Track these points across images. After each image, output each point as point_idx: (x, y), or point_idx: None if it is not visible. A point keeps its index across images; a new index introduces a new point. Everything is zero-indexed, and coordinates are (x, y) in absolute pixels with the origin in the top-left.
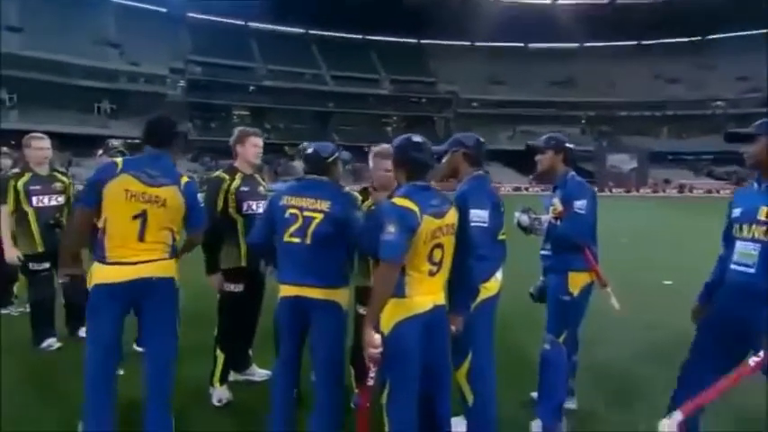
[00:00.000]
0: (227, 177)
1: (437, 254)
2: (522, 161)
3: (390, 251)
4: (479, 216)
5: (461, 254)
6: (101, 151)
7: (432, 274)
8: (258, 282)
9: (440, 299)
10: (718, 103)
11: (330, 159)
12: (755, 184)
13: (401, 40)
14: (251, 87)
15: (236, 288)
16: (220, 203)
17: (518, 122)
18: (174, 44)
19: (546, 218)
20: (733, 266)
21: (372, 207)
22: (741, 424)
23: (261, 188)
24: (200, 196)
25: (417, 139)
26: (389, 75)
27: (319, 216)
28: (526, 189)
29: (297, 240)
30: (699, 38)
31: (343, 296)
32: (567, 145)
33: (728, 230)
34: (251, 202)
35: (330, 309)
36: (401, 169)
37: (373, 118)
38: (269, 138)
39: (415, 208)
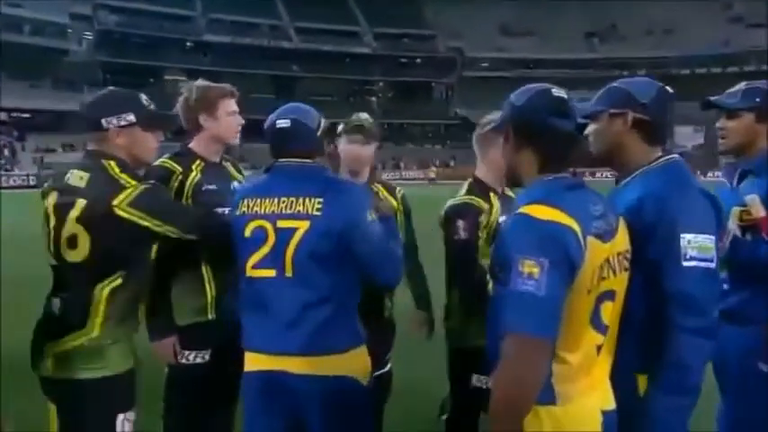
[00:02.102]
0: (177, 168)
1: (606, 310)
2: None
3: (536, 316)
4: (701, 246)
5: (670, 319)
6: None
7: (598, 349)
8: (234, 347)
9: (609, 400)
10: None
11: (318, 131)
12: (726, 180)
13: None
14: (187, 43)
15: (197, 358)
16: None
17: None
18: None
19: (730, 227)
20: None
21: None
22: None
23: (235, 184)
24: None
25: (559, 92)
26: (373, 27)
27: (304, 225)
28: None
29: (267, 274)
30: None
31: (357, 362)
32: None
33: None
34: (224, 211)
35: (338, 392)
36: (528, 148)
37: (352, 85)
38: None
39: (574, 224)
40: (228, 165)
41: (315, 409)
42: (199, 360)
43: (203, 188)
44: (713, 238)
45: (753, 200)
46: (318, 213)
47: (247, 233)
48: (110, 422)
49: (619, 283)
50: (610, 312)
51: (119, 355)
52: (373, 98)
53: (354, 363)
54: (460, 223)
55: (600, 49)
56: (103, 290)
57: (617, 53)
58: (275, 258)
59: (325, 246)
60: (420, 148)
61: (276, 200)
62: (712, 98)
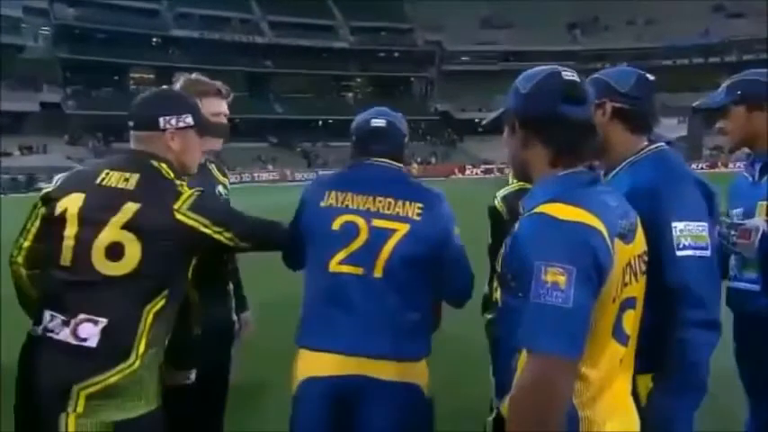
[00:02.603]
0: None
1: (628, 319)
2: None
3: (563, 333)
4: (694, 235)
5: (671, 314)
6: None
7: (620, 363)
8: (220, 363)
9: (634, 422)
10: None
11: (405, 140)
12: (747, 175)
13: None
14: (154, 39)
15: (185, 378)
16: None
17: None
18: None
19: (758, 224)
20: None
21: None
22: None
23: (220, 189)
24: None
25: (570, 75)
26: (350, 21)
27: (403, 228)
28: None
29: (354, 271)
30: None
31: (424, 373)
32: None
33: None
34: None
35: (410, 397)
36: (537, 141)
37: (328, 80)
38: None
39: (600, 225)
40: (213, 167)
41: (386, 416)
42: (184, 380)
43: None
44: (705, 225)
45: None
46: (419, 219)
47: (335, 226)
48: None
49: (639, 288)
50: (632, 321)
51: (153, 388)
52: (350, 94)
53: (424, 372)
54: None
55: (582, 41)
56: (150, 312)
57: (599, 44)
58: (366, 257)
59: (419, 251)
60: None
61: (371, 198)
62: (695, 104)
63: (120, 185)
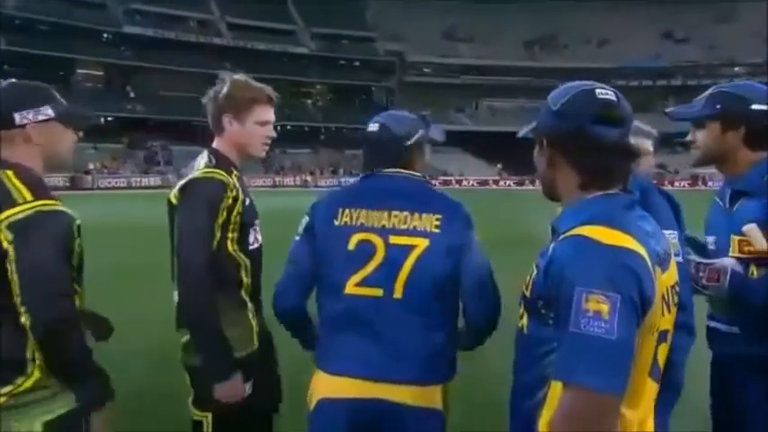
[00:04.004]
0: (231, 181)
1: (661, 354)
2: (488, 145)
3: (607, 366)
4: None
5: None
6: None
7: (654, 399)
8: (273, 370)
9: None
10: (737, 69)
11: (408, 142)
12: (719, 200)
13: None
14: (105, 35)
15: (244, 389)
16: (217, 232)
17: (482, 95)
18: None
19: (726, 264)
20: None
21: None
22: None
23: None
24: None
25: (605, 93)
26: (310, 27)
27: (423, 243)
28: (495, 183)
29: (373, 293)
30: None
31: (446, 397)
32: (758, 108)
33: None
34: (256, 228)
35: (430, 424)
36: (564, 162)
37: (288, 86)
38: (133, 110)
39: (643, 251)
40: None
41: None
42: (249, 390)
43: (246, 203)
44: (676, 233)
45: (751, 230)
46: (438, 231)
47: (351, 246)
48: None
49: (671, 321)
50: (664, 356)
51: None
52: (309, 101)
53: (448, 396)
54: None
55: (540, 58)
56: None
57: (556, 62)
58: (385, 277)
59: (442, 266)
60: (359, 153)
61: (387, 213)
62: (668, 110)
63: None
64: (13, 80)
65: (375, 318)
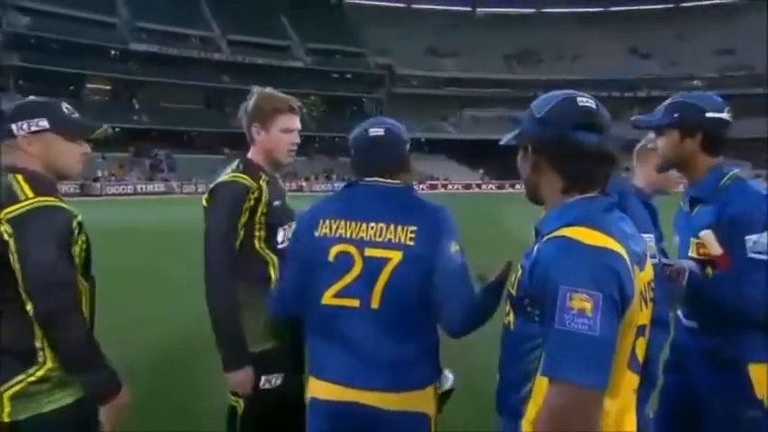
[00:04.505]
0: (253, 184)
1: (639, 348)
2: (471, 152)
3: (591, 362)
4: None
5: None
6: None
7: (634, 392)
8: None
9: None
10: (696, 82)
11: (408, 147)
12: (682, 203)
13: None
14: (112, 52)
15: (274, 381)
16: (240, 232)
17: (465, 105)
18: None
19: (684, 265)
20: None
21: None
22: None
23: (287, 200)
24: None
25: (586, 101)
26: (305, 43)
27: (397, 256)
28: (478, 187)
29: (350, 303)
30: (672, 5)
31: (429, 400)
32: (713, 116)
33: None
34: (286, 228)
35: (409, 426)
36: (548, 167)
37: None
38: (139, 121)
39: (623, 252)
40: (278, 178)
41: None
42: (273, 384)
43: (273, 204)
44: (653, 236)
45: (706, 236)
46: (412, 243)
47: (331, 258)
48: None
49: (648, 315)
50: (642, 349)
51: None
52: (304, 111)
53: (430, 399)
54: None
55: (517, 71)
56: None
57: (533, 75)
58: (361, 288)
59: (416, 278)
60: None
61: (364, 225)
62: (633, 118)
63: None
64: (31, 97)
65: (351, 328)
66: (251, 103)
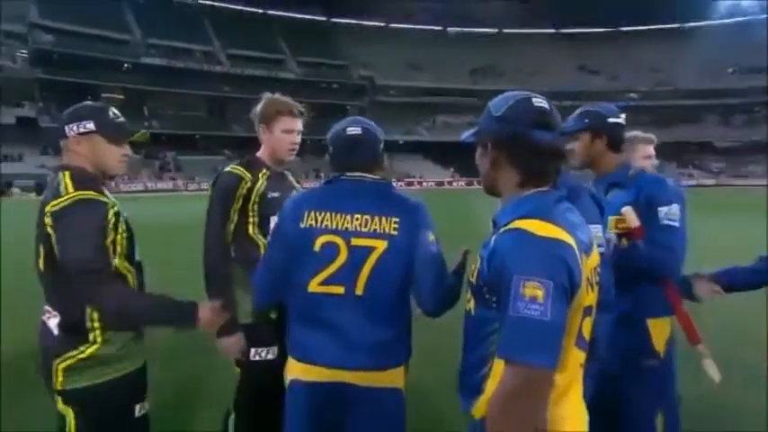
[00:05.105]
0: (246, 175)
1: (586, 327)
2: (443, 153)
3: (543, 345)
4: (594, 235)
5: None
6: None
7: (581, 367)
8: None
9: (586, 422)
10: (632, 95)
11: (382, 145)
12: (595, 192)
13: (308, 17)
14: (125, 65)
15: (269, 354)
16: (234, 216)
17: (438, 112)
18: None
19: (608, 236)
20: None
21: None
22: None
23: (294, 194)
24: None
25: (540, 102)
26: (296, 56)
27: (382, 245)
28: (449, 184)
29: (335, 291)
30: (614, 28)
31: (401, 376)
32: (612, 121)
33: None
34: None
35: (389, 401)
36: (507, 163)
37: None
38: (149, 126)
39: (572, 242)
40: (288, 174)
41: (363, 418)
42: (267, 356)
43: (268, 196)
44: (600, 227)
45: (628, 211)
46: (395, 233)
47: (316, 248)
48: None
49: (594, 297)
50: (589, 328)
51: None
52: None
53: (402, 376)
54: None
55: (481, 83)
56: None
57: (495, 86)
58: (347, 276)
59: (399, 266)
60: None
61: (349, 216)
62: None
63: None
64: (86, 102)
65: (337, 314)
66: (259, 106)
